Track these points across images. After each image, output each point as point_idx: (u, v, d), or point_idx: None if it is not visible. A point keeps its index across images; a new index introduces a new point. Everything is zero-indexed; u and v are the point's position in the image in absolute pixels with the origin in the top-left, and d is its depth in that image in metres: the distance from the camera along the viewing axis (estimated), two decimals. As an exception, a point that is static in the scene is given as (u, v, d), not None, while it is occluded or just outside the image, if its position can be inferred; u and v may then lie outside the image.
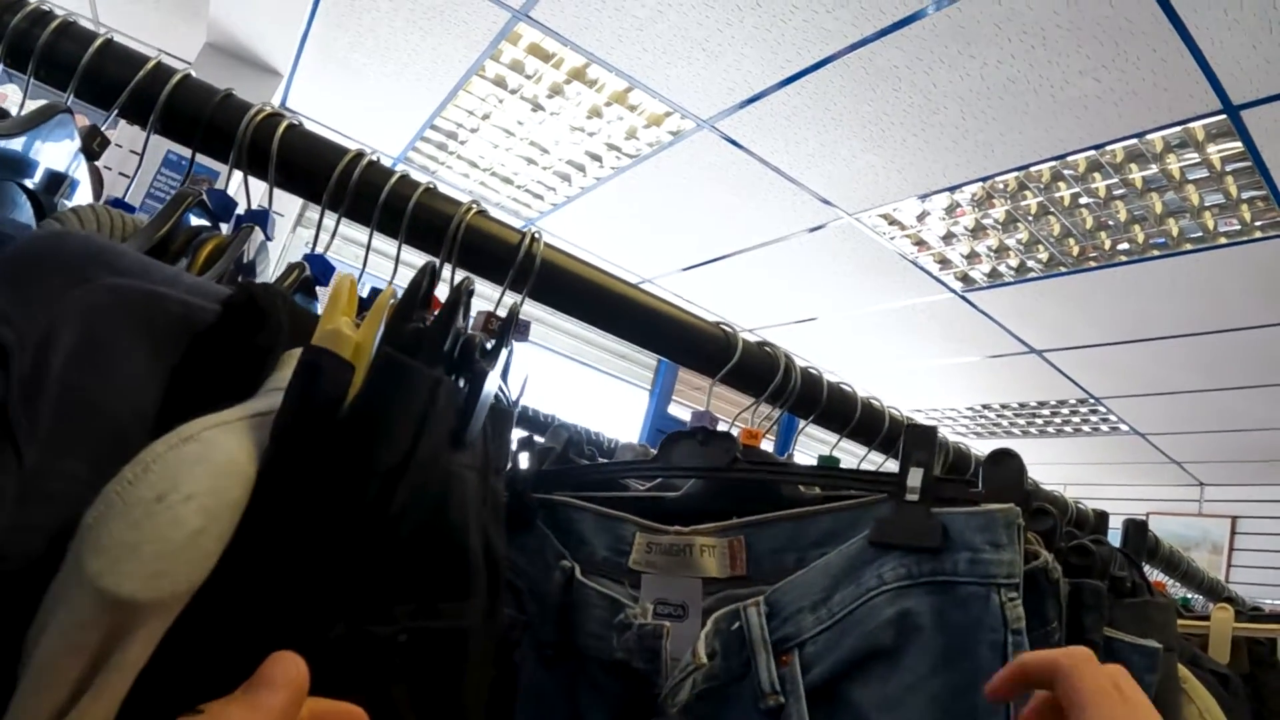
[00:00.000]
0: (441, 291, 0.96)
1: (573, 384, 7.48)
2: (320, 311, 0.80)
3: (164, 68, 1.00)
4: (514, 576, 1.29)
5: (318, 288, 1.09)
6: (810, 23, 3.49)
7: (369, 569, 0.72)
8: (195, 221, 1.03)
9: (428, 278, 0.93)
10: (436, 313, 0.90)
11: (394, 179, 1.08)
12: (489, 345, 1.00)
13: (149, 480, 0.61)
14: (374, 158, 1.08)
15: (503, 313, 1.11)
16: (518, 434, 1.51)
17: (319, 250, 1.08)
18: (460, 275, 1.07)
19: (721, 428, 1.29)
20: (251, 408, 0.71)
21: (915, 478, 1.00)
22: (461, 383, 0.89)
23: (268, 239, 1.08)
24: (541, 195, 5.82)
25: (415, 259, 1.03)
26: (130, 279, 0.71)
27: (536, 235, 1.16)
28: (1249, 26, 2.91)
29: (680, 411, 7.80)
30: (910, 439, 1.02)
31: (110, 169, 3.51)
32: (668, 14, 3.67)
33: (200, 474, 0.63)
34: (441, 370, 0.82)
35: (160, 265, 0.77)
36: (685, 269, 6.30)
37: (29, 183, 0.95)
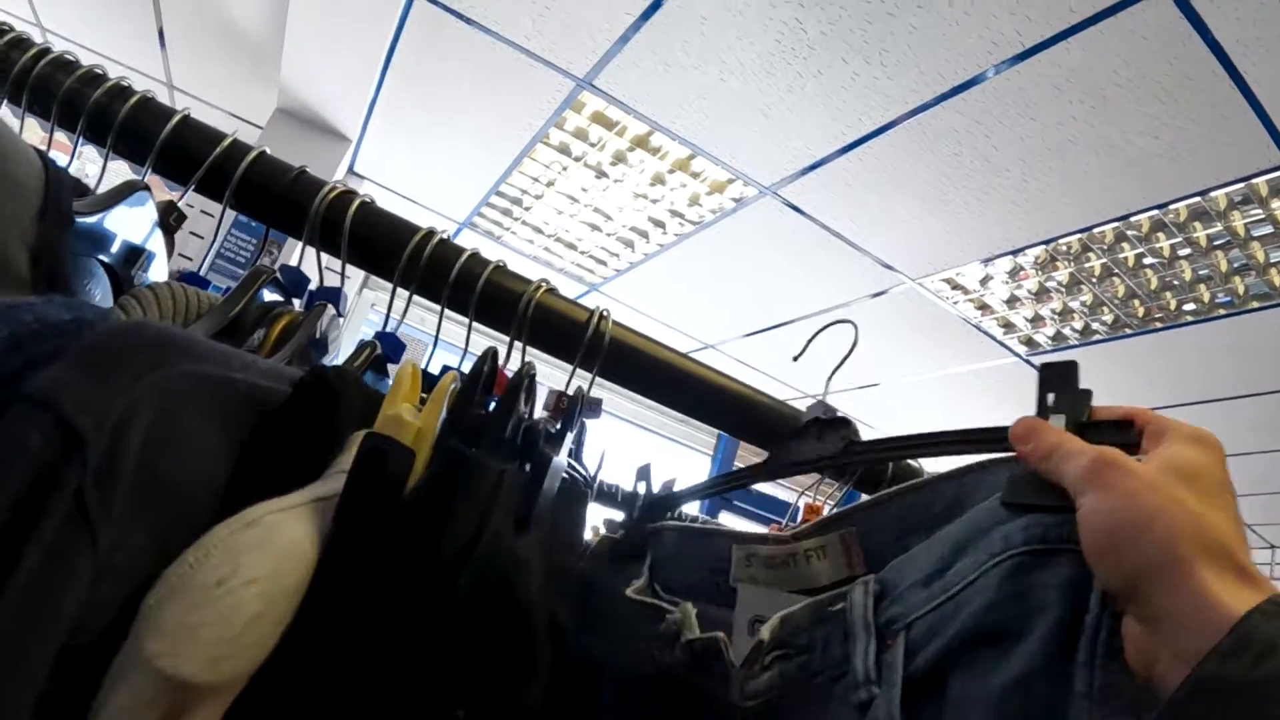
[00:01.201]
0: (514, 368, 0.98)
1: (635, 450, 7.48)
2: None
3: (240, 144, 1.03)
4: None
5: (390, 364, 1.10)
6: (871, 89, 3.51)
7: (430, 655, 0.73)
8: (268, 296, 1.05)
9: (489, 362, 0.95)
10: (499, 398, 0.91)
11: (465, 256, 1.09)
12: (554, 429, 1.01)
13: (210, 564, 0.63)
14: (445, 235, 1.09)
15: (572, 391, 1.13)
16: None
17: (390, 328, 1.11)
18: (529, 353, 1.09)
19: (786, 496, 1.27)
20: (315, 492, 0.73)
21: (1057, 424, 0.80)
22: (528, 467, 0.90)
23: (340, 315, 1.11)
24: (605, 261, 5.86)
25: (486, 337, 1.05)
26: (205, 365, 0.72)
27: (605, 314, 1.18)
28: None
29: (743, 476, 7.76)
30: (1047, 377, 0.84)
31: (181, 227, 3.58)
32: (729, 82, 3.71)
33: (261, 559, 0.65)
34: (504, 459, 0.83)
35: (235, 352, 0.79)
36: (748, 335, 6.30)
37: (107, 257, 0.98)
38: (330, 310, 1.07)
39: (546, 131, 4.50)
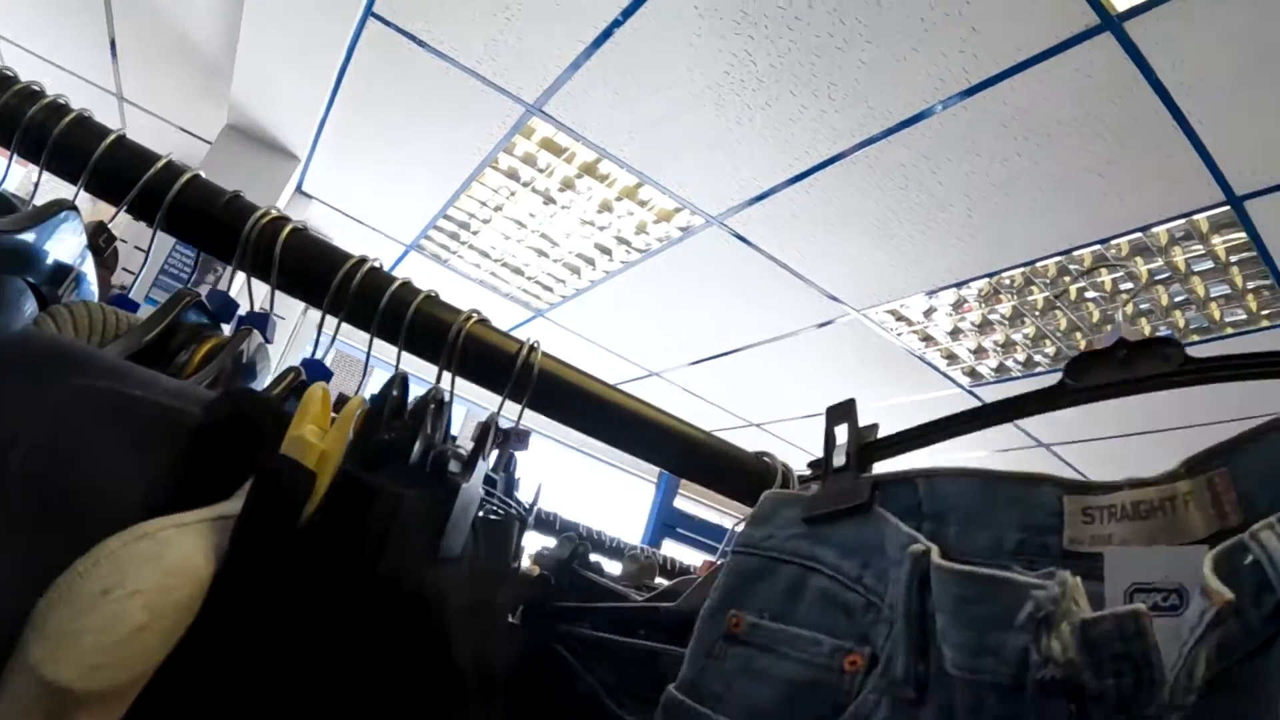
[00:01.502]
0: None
1: (577, 474, 7.47)
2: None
3: (174, 166, 1.02)
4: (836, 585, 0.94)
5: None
6: (819, 122, 3.54)
7: (319, 678, 0.73)
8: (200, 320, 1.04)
9: (397, 386, 0.94)
10: (405, 421, 0.91)
11: (395, 285, 1.08)
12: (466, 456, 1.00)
13: (97, 574, 0.63)
14: (376, 263, 1.08)
15: (500, 422, 1.12)
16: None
17: (319, 355, 1.09)
18: (459, 384, 1.08)
19: (719, 521, 1.24)
20: (216, 510, 0.73)
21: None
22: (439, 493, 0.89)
23: (267, 341, 1.09)
24: (551, 287, 5.86)
25: (424, 365, 1.05)
26: (100, 380, 0.72)
27: (534, 345, 1.17)
28: (1250, 118, 2.96)
29: (686, 505, 7.77)
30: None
31: (111, 249, 3.54)
32: (679, 112, 3.73)
33: (149, 571, 0.64)
34: (406, 485, 0.82)
35: (136, 368, 0.79)
36: (693, 363, 6.31)
37: (34, 276, 0.96)
38: (257, 336, 1.05)
39: (495, 156, 4.50)
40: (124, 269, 3.84)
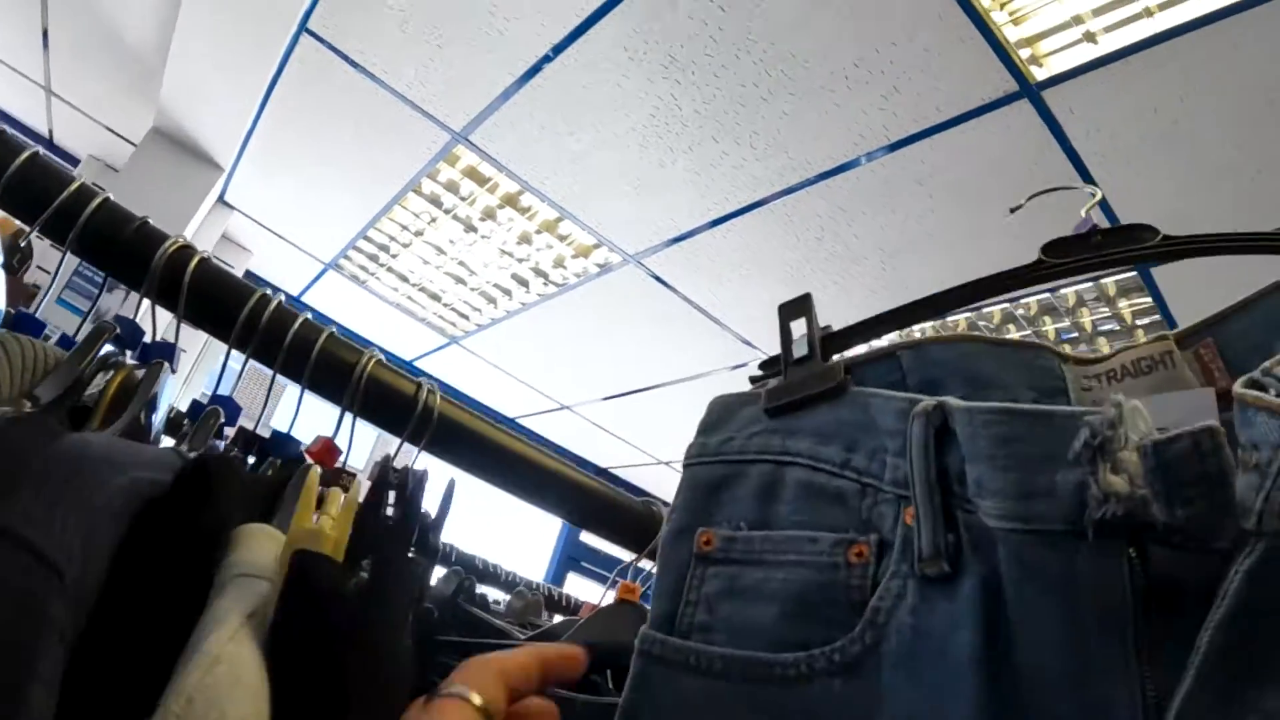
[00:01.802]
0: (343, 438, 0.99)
1: (484, 504, 7.41)
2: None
3: (86, 189, 1.02)
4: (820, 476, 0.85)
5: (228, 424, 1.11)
6: (739, 169, 3.60)
7: None
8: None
9: (391, 473, 0.97)
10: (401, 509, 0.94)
11: (298, 323, 1.08)
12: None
13: (197, 712, 0.62)
14: (280, 300, 1.09)
15: (398, 464, 1.13)
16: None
17: (225, 390, 1.11)
18: (362, 426, 1.10)
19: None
20: (241, 607, 0.72)
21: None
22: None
23: (172, 371, 1.10)
24: (467, 315, 5.86)
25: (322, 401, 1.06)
26: (127, 473, 0.73)
27: (432, 388, 1.18)
28: (1158, 187, 3.07)
29: (592, 539, 7.78)
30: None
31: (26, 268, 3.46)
32: (602, 150, 3.77)
33: (239, 697, 0.65)
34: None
35: (137, 449, 0.80)
36: (606, 398, 6.33)
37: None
38: (167, 370, 1.06)
39: (419, 181, 4.50)
40: (38, 266, 3.78)
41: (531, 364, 6.29)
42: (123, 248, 1.01)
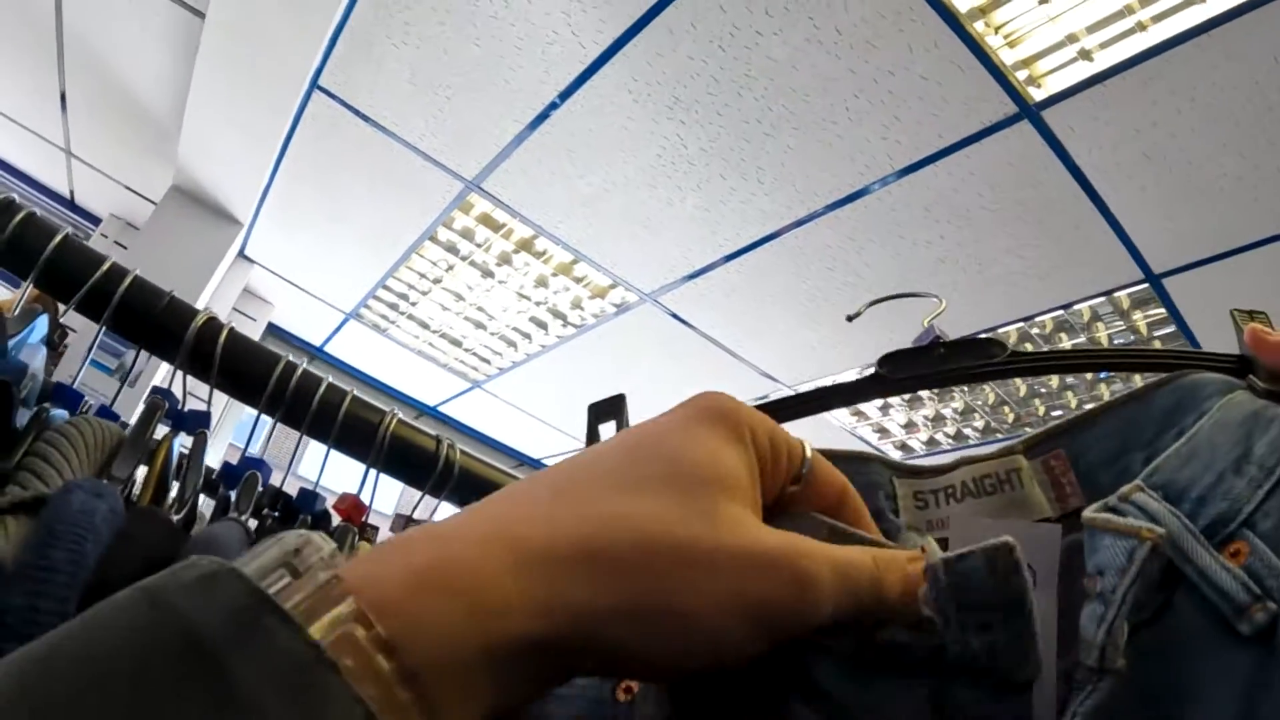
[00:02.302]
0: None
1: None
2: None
3: (117, 268, 1.06)
4: None
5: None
6: (748, 204, 3.64)
7: None
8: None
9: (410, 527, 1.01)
10: None
11: (323, 387, 1.12)
12: None
13: None
14: (305, 367, 1.12)
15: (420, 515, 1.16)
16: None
17: (257, 442, 1.15)
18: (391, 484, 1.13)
19: None
20: None
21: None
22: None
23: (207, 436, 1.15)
24: (488, 359, 5.90)
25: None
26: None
27: (451, 444, 1.20)
28: (1164, 200, 3.08)
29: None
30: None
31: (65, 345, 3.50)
32: (613, 192, 3.82)
33: None
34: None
35: (227, 531, 0.88)
36: (630, 436, 6.31)
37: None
38: (206, 437, 1.11)
39: (435, 230, 4.56)
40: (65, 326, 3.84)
41: (554, 405, 6.33)
42: (155, 323, 1.06)
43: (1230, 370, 0.67)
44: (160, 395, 1.08)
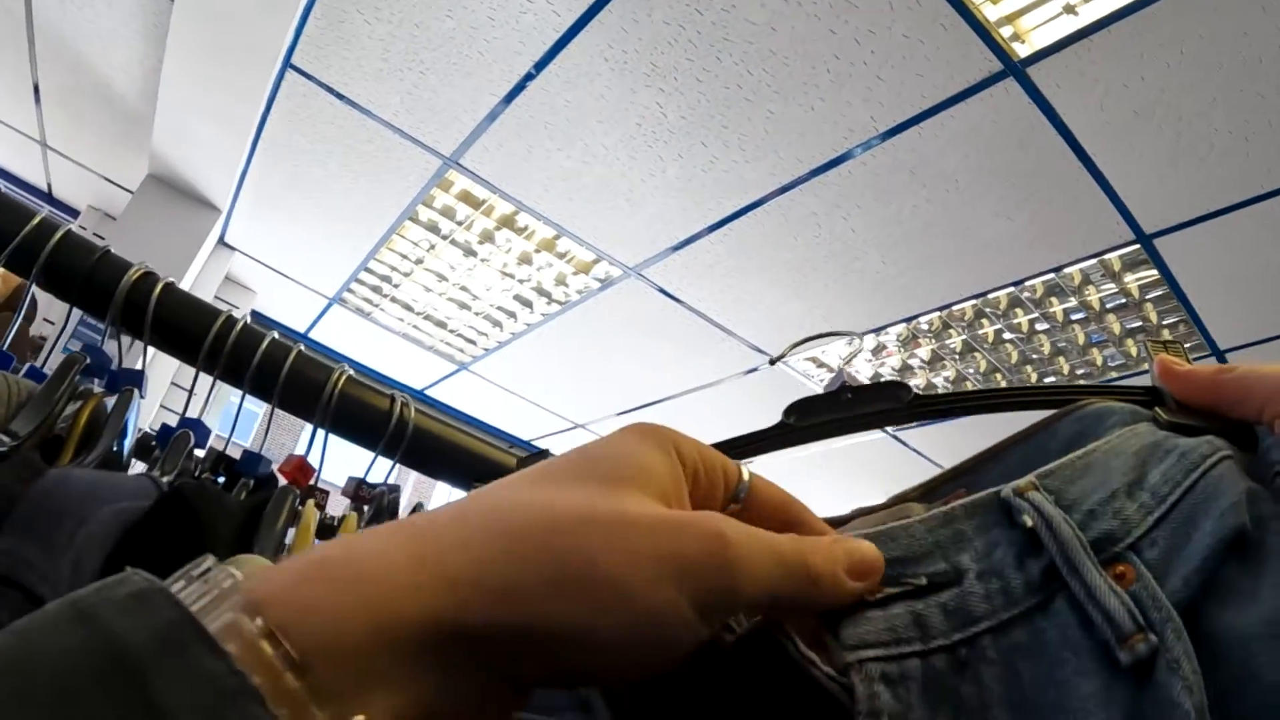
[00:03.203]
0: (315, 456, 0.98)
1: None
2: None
3: (48, 222, 1.01)
4: None
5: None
6: (730, 173, 3.59)
7: None
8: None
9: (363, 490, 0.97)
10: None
11: (266, 342, 1.07)
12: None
13: None
14: (245, 321, 1.07)
15: (372, 479, 1.12)
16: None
17: (194, 414, 1.10)
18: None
19: None
20: None
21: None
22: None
23: (140, 397, 1.10)
24: (474, 340, 5.85)
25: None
26: (108, 505, 0.74)
27: (406, 401, 1.16)
28: (1155, 159, 3.04)
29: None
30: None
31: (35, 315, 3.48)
32: (593, 165, 3.77)
33: None
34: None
35: (117, 480, 0.82)
36: (621, 413, 6.30)
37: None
38: (136, 396, 1.06)
39: (414, 209, 4.51)
40: (44, 319, 3.81)
41: (542, 385, 6.29)
42: (85, 279, 1.01)
43: (1140, 402, 0.68)
44: (87, 353, 1.03)
